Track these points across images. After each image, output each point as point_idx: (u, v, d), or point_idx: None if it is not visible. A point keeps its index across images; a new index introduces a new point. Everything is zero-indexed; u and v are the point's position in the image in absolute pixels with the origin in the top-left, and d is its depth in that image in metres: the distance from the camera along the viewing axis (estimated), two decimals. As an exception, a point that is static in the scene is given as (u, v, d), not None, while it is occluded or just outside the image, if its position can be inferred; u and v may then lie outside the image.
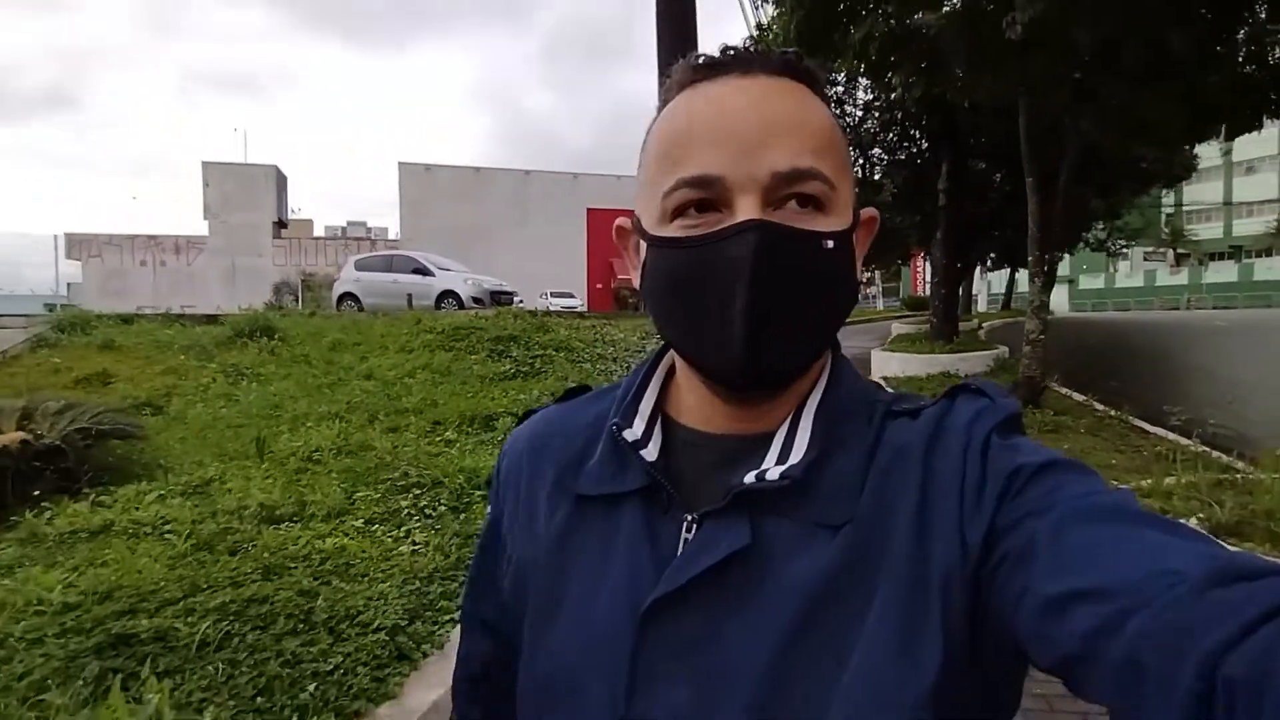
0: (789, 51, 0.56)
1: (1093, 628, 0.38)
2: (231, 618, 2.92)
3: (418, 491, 4.69)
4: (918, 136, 11.67)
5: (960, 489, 0.50)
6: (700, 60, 0.56)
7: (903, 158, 12.24)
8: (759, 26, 10.74)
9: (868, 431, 0.56)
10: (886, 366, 10.35)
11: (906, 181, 11.85)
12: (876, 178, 12.69)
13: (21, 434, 4.77)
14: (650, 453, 0.58)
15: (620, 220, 0.63)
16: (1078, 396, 8.02)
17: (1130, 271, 51.64)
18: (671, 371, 0.65)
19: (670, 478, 0.57)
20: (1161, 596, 0.37)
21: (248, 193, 37.04)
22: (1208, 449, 5.43)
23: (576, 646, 0.56)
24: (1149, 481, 3.74)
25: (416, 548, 3.89)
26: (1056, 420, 6.63)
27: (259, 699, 2.55)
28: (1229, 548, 0.39)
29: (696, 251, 0.52)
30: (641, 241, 0.58)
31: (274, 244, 37.11)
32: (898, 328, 16.49)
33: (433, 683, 2.83)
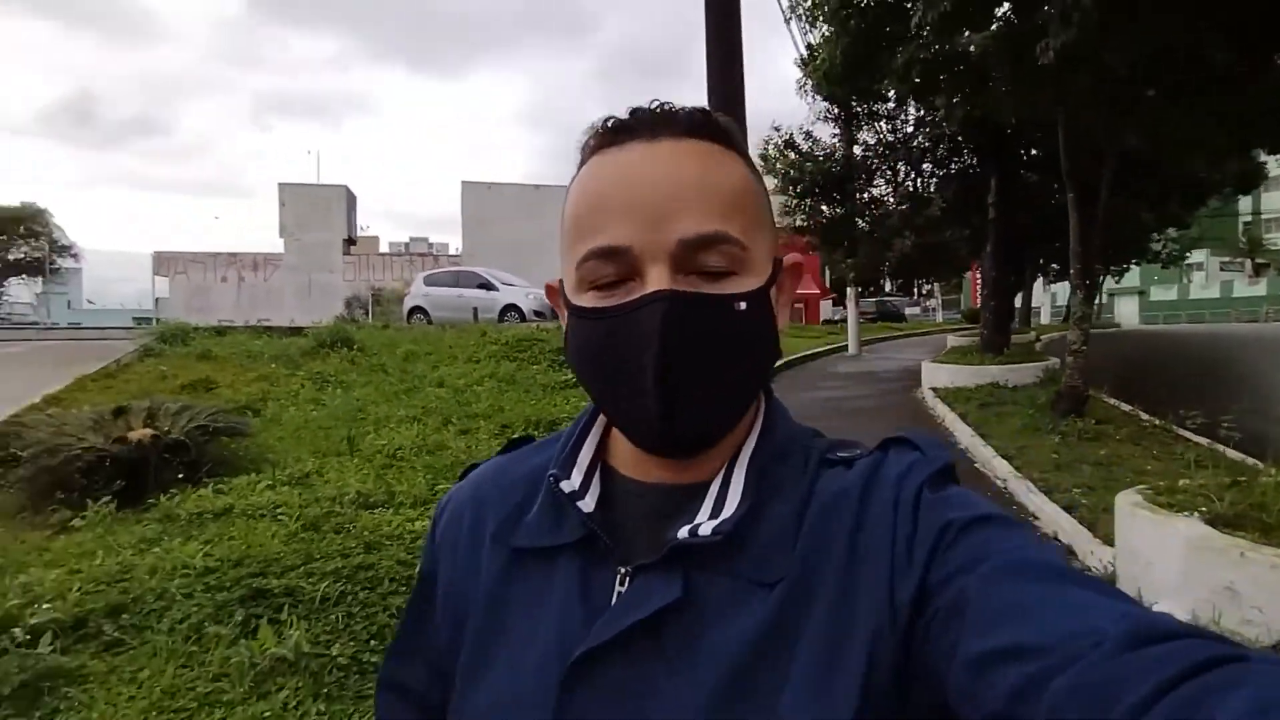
0: (697, 110, 0.56)
1: (1017, 686, 0.38)
2: (344, 580, 3.48)
3: (490, 485, 5.23)
4: (966, 152, 11.86)
5: (891, 546, 0.50)
6: (609, 124, 0.56)
7: (953, 171, 12.42)
8: (808, 48, 11.13)
9: (801, 479, 0.56)
10: (936, 378, 10.52)
11: (955, 195, 12.03)
12: (926, 193, 12.91)
13: (151, 430, 5.49)
14: (587, 504, 0.57)
15: (550, 281, 0.63)
16: (1125, 406, 8.10)
17: (1205, 282, 49.64)
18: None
19: (607, 529, 0.56)
20: (1085, 656, 0.37)
21: (320, 212, 38.88)
22: (1243, 455, 5.58)
23: (503, 700, 0.55)
24: (1164, 483, 4.00)
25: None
26: (1098, 429, 6.79)
27: (372, 642, 3.08)
28: (1149, 608, 0.42)
29: (607, 323, 0.53)
30: (564, 306, 0.58)
31: (344, 260, 38.81)
32: (953, 340, 16.50)
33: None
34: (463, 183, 36.53)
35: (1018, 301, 22.05)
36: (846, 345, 18.65)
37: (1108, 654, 0.37)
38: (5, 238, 30.43)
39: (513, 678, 0.55)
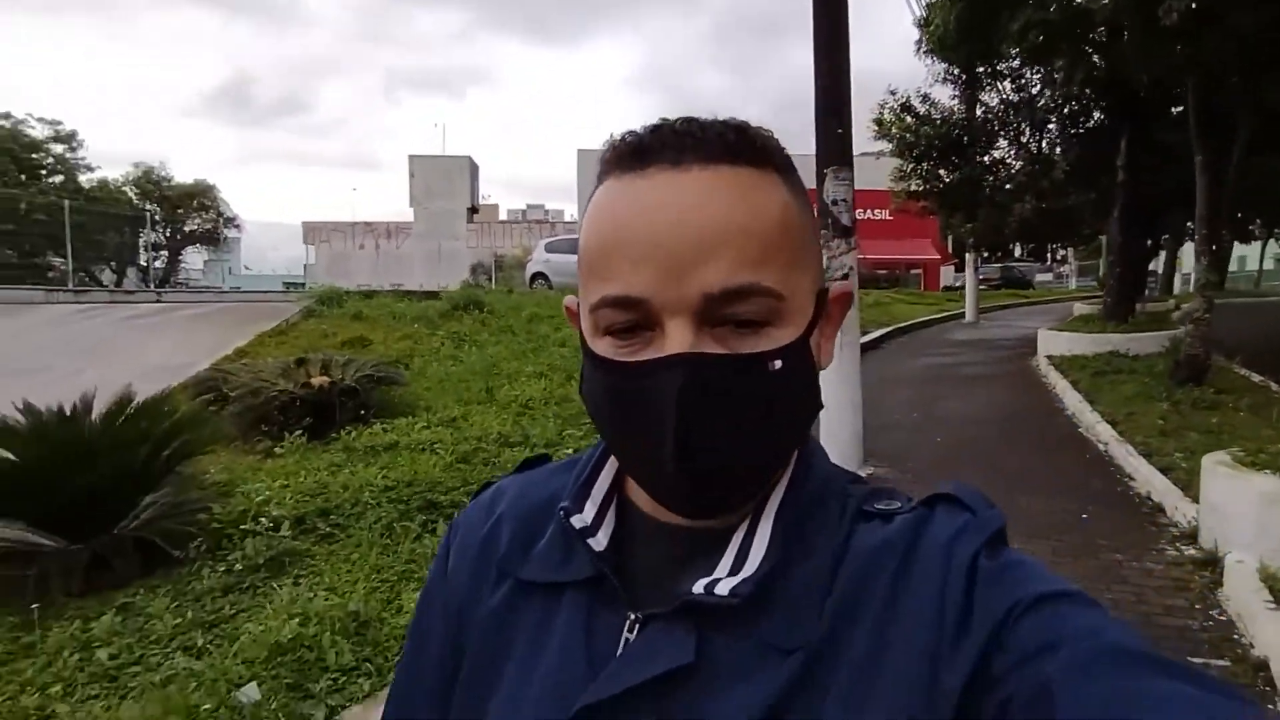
0: (730, 128, 0.49)
1: None
2: (495, 499, 4.24)
3: (610, 431, 5.90)
4: (1096, 112, 11.33)
5: (938, 619, 0.44)
6: (628, 143, 0.50)
7: (1080, 132, 11.91)
8: (927, 7, 10.98)
9: (835, 532, 0.51)
10: (1052, 345, 10.33)
11: (1081, 158, 11.54)
12: (1051, 155, 12.43)
13: (328, 378, 6.51)
14: (599, 541, 0.53)
15: (568, 300, 0.56)
16: (1255, 377, 7.80)
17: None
18: None
19: (619, 570, 0.52)
20: None
21: (446, 182, 40.96)
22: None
23: None
24: (1254, 444, 4.13)
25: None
26: (1215, 398, 6.65)
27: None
28: (1246, 701, 0.38)
29: (623, 379, 0.48)
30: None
31: (467, 228, 40.80)
32: (1080, 308, 15.83)
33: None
34: (578, 150, 37.42)
35: (1157, 268, 20.61)
36: (964, 312, 18.22)
37: None
38: (182, 211, 34.14)
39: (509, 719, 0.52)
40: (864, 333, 12.72)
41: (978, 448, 6.42)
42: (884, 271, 35.45)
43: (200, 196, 35.54)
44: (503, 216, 47.15)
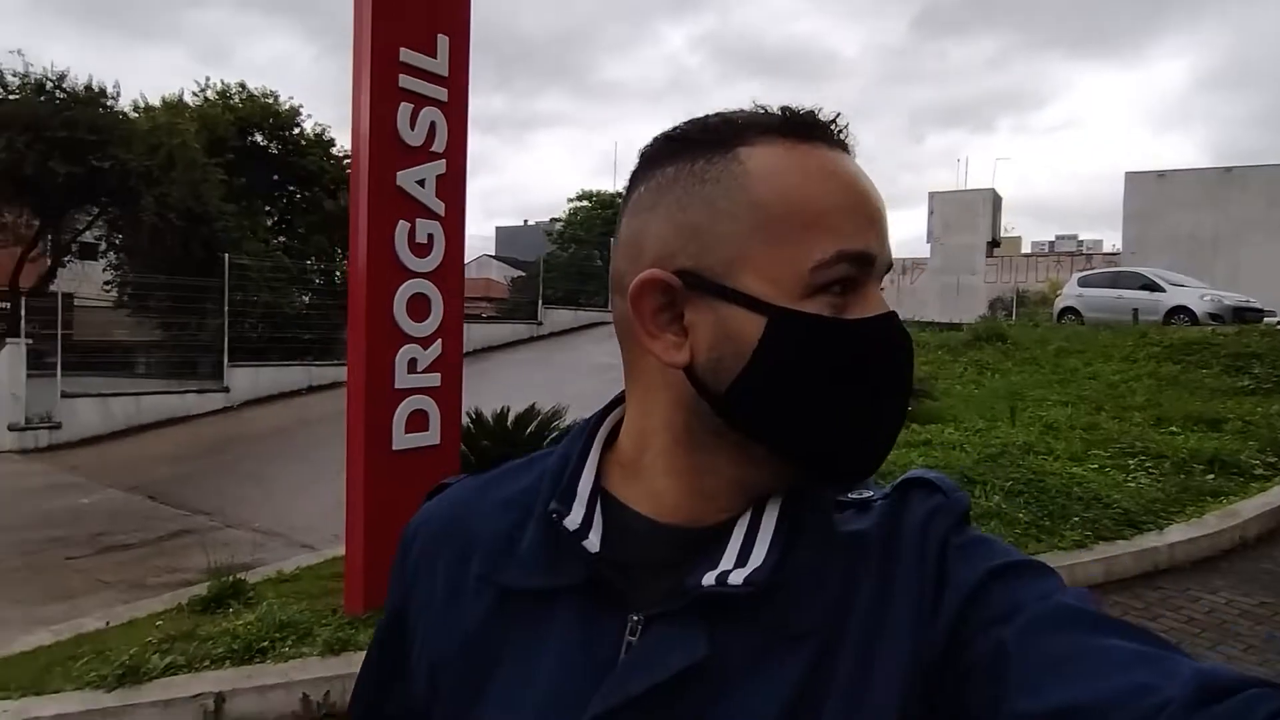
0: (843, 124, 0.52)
1: None
2: (1021, 487, 5.09)
3: (1142, 457, 6.08)
4: None
5: (918, 597, 0.47)
6: (798, 114, 0.51)
7: None
8: None
9: (825, 521, 0.52)
10: None
11: None
12: None
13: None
14: (593, 543, 0.51)
15: (655, 273, 0.50)
16: None
17: None
18: (609, 443, 0.57)
19: (614, 571, 0.51)
20: (1151, 718, 0.36)
21: (967, 216, 40.50)
22: None
23: None
24: None
25: (1141, 485, 5.39)
26: None
27: (1033, 529, 4.61)
28: (1193, 658, 0.40)
29: (867, 337, 0.48)
30: (724, 309, 0.48)
31: (986, 263, 39.65)
32: None
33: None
34: (1127, 173, 33.27)
35: None
36: None
37: (1176, 716, 0.36)
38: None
39: None
40: None
41: None
42: None
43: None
44: (1026, 249, 44.32)
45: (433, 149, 4.01)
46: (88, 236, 17.26)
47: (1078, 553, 4.30)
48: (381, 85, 3.83)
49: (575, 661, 0.49)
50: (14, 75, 14.72)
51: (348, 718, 0.63)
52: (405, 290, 3.89)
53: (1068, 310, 16.40)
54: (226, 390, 13.02)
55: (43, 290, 15.35)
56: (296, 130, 20.52)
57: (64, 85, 15.03)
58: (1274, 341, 9.94)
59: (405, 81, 3.88)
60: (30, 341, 11.63)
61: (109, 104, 15.65)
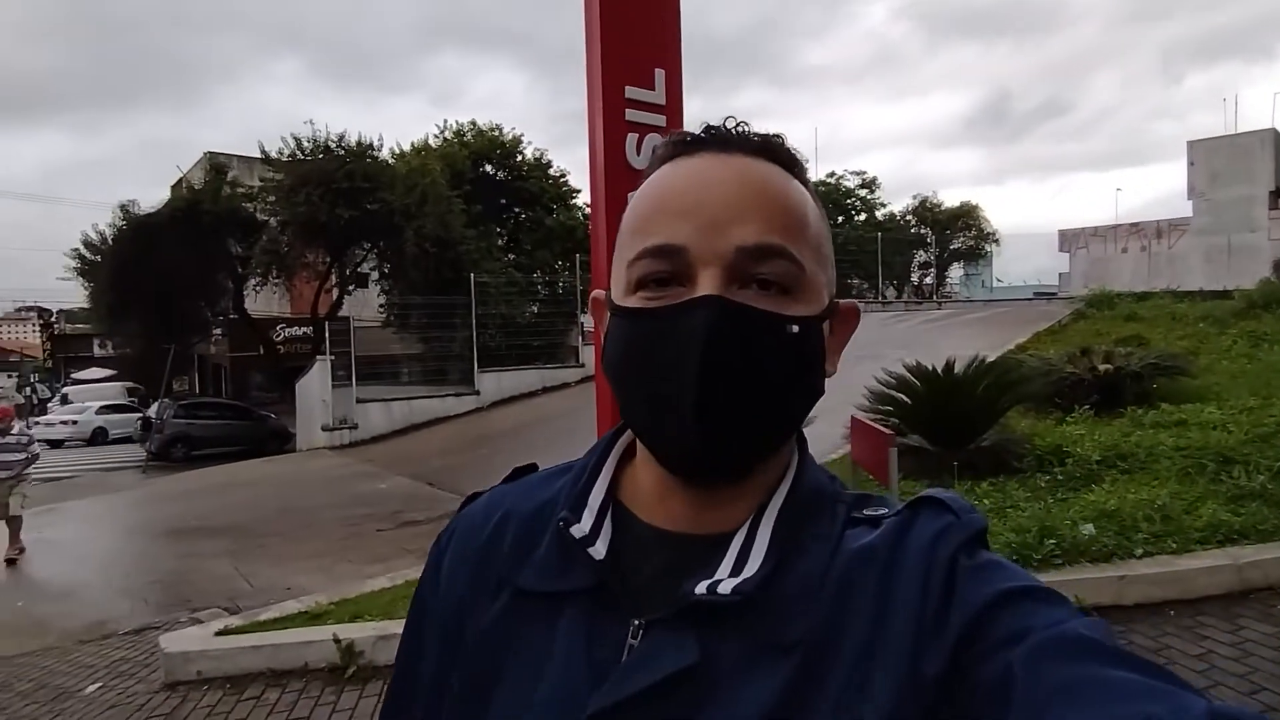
0: (771, 135, 0.55)
1: None
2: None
3: None
4: None
5: (919, 615, 0.47)
6: (682, 137, 0.55)
7: None
8: None
9: (829, 536, 0.53)
10: None
11: None
12: None
13: (1112, 364, 7.46)
14: (598, 550, 0.54)
15: (596, 292, 0.59)
16: None
17: None
18: (628, 455, 0.60)
19: (619, 577, 0.53)
20: None
21: (1240, 164, 34.70)
22: None
23: None
24: None
25: None
26: None
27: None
28: (1199, 692, 0.39)
29: (651, 324, 0.50)
30: (608, 314, 0.55)
31: (1270, 216, 33.73)
32: None
33: None
34: None
35: None
36: None
37: None
38: (949, 232, 38.68)
39: None
40: None
41: None
42: None
43: (965, 217, 39.46)
44: (1327, 196, 36.79)
45: (655, 169, 4.56)
46: (364, 268, 20.45)
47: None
48: (612, 121, 4.45)
49: (580, 662, 0.51)
50: (308, 141, 17.94)
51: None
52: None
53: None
54: (477, 393, 14.89)
55: (333, 315, 18.48)
56: (519, 157, 22.73)
57: (342, 143, 18.03)
58: None
59: (631, 115, 4.48)
60: (332, 358, 14.14)
61: (375, 154, 18.51)
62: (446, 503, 8.49)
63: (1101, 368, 7.49)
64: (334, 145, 18.02)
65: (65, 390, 23.83)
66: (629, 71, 4.89)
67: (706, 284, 0.50)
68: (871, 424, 4.33)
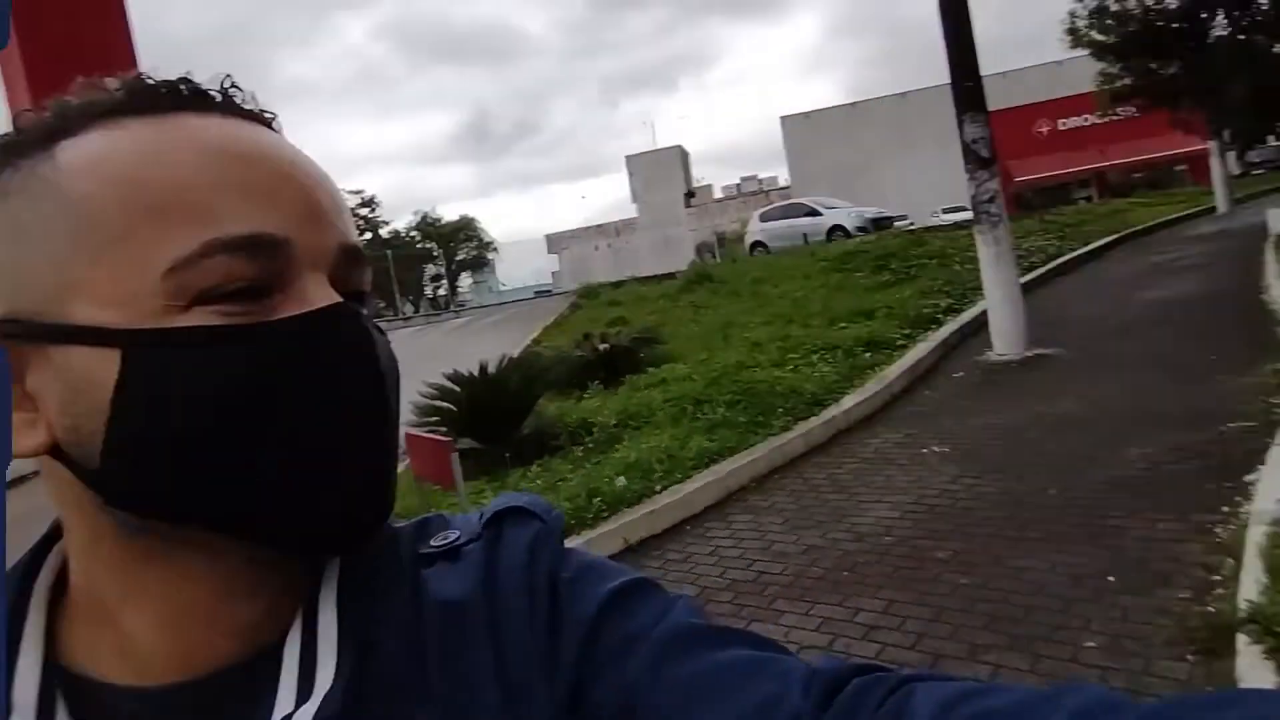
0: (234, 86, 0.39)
1: None
2: (739, 398, 6.16)
3: (823, 351, 7.57)
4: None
5: (539, 651, 0.41)
6: (155, 83, 0.37)
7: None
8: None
9: (401, 592, 0.41)
10: (1294, 222, 9.96)
11: None
12: None
13: (608, 344, 8.89)
14: None
15: None
16: None
17: None
18: (56, 596, 0.40)
19: None
20: None
21: (662, 174, 43.86)
22: None
23: None
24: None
25: (823, 374, 6.78)
26: None
27: (752, 425, 5.68)
28: (789, 654, 0.40)
29: (288, 343, 0.35)
30: (64, 355, 0.35)
31: (686, 212, 43.46)
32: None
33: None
34: (781, 118, 38.29)
35: None
36: (1215, 205, 16.83)
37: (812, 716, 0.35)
38: (453, 244, 40.69)
39: None
40: (1086, 242, 12.83)
41: (1140, 328, 7.16)
42: (1139, 174, 31.98)
43: (465, 229, 42.03)
44: (718, 195, 49.23)
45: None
46: None
47: (785, 435, 5.41)
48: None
49: None
50: None
51: None
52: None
53: (757, 244, 18.91)
54: None
55: None
56: None
57: None
58: (903, 242, 12.53)
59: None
60: None
61: None
62: None
63: (601, 347, 8.85)
64: None
65: None
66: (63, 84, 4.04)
67: (318, 291, 0.37)
68: (428, 435, 4.41)
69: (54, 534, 0.41)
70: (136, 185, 0.35)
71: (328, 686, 0.36)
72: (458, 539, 0.45)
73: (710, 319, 10.88)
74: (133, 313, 0.34)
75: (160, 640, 0.37)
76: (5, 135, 0.37)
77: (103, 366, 0.34)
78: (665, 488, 4.67)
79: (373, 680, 0.38)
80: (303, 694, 0.36)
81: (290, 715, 0.35)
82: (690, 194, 44.18)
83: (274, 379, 0.35)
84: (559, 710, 0.39)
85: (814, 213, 18.34)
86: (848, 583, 3.45)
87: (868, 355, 7.26)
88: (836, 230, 17.41)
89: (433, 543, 0.45)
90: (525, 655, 0.40)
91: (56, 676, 0.37)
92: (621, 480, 4.61)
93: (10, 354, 0.35)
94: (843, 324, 8.87)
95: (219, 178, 0.35)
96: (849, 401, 6.00)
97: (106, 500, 0.36)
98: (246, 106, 0.39)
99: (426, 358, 12.85)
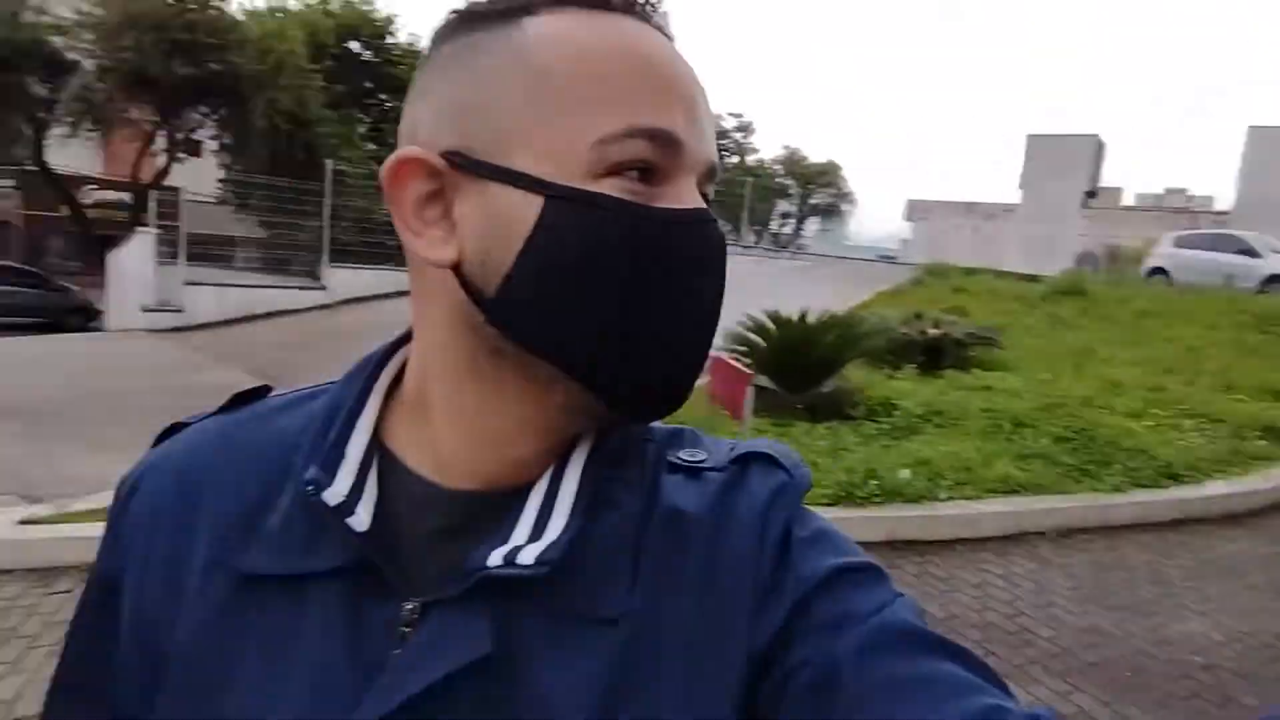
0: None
1: None
2: (1071, 435, 5.39)
3: (1201, 420, 6.24)
4: None
5: (753, 590, 0.42)
6: None
7: None
8: None
9: (640, 483, 0.45)
10: None
11: None
12: None
13: (940, 330, 8.26)
14: (360, 520, 0.42)
15: (414, 152, 0.42)
16: None
17: None
18: (393, 389, 0.48)
19: (386, 550, 0.42)
20: None
21: (1064, 163, 38.47)
22: None
23: None
24: None
25: (1191, 444, 5.61)
26: None
27: (1075, 471, 4.93)
28: (1003, 684, 0.39)
29: (671, 230, 0.40)
30: (494, 191, 0.40)
31: (1081, 213, 37.86)
32: None
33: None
34: (1250, 128, 30.94)
35: None
36: None
37: None
38: (811, 187, 40.31)
39: None
40: None
41: None
42: None
43: (827, 174, 41.25)
44: (1128, 201, 41.90)
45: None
46: (199, 135, 18.30)
47: (1114, 496, 4.62)
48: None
49: (339, 659, 0.41)
50: (142, -25, 15.47)
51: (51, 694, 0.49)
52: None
53: (1157, 270, 15.86)
54: (324, 288, 13.99)
55: (159, 184, 16.52)
56: (390, 40, 20.95)
57: (184, -14, 15.75)
58: (1372, 318, 9.63)
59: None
60: (159, 231, 12.70)
61: (219, 5, 16.35)
62: (286, 401, 8.04)
63: (931, 332, 8.27)
64: (174, -13, 15.71)
65: None
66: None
67: (690, 193, 0.42)
68: (732, 362, 4.57)
69: (399, 343, 0.49)
70: (586, 69, 0.40)
71: (554, 536, 0.42)
72: (703, 461, 0.48)
73: (1067, 339, 9.53)
74: (561, 170, 0.40)
75: (459, 450, 0.45)
76: (476, 3, 0.44)
77: (526, 209, 0.40)
78: (951, 499, 4.33)
79: (591, 545, 0.43)
80: (534, 535, 0.42)
81: (520, 547, 0.41)
82: (1091, 193, 38.30)
83: (648, 255, 0.40)
84: (748, 651, 0.41)
85: (1251, 252, 14.72)
86: (1126, 684, 2.94)
87: (1262, 442, 5.83)
88: (1275, 281, 13.87)
89: (681, 455, 0.48)
90: (735, 588, 0.43)
91: (376, 450, 0.46)
92: (906, 473, 4.36)
93: (447, 179, 0.42)
94: (1241, 396, 7.21)
95: (640, 76, 0.41)
96: (1215, 488, 4.92)
97: (488, 319, 0.41)
98: (653, 16, 0.44)
99: (754, 291, 13.21)
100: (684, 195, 0.41)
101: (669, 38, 0.44)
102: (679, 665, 0.41)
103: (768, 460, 0.48)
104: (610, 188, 0.40)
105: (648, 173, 0.41)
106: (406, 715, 0.38)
